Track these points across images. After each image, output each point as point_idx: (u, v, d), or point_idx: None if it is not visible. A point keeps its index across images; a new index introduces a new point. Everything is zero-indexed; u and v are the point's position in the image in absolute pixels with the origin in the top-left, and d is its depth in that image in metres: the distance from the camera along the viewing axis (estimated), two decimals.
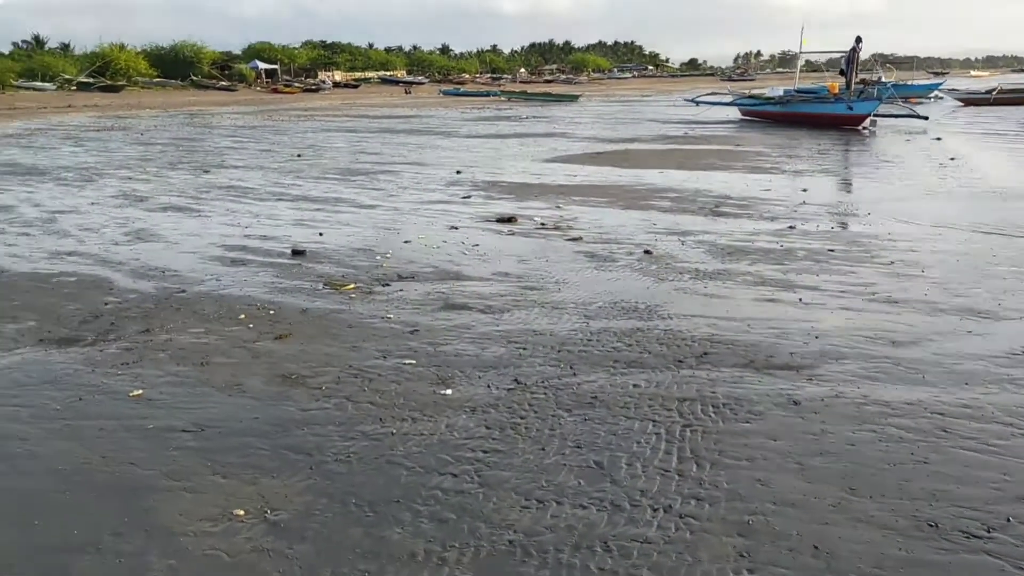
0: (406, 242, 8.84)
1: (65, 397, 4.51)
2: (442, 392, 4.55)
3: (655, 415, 4.16)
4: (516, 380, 4.72)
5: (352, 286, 6.97)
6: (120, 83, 62.58)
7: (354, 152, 20.10)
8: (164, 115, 39.62)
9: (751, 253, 8.04)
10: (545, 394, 4.49)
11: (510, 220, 10.03)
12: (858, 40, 26.92)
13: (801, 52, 30.46)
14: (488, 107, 48.69)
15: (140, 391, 4.59)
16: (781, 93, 30.58)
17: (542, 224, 9.79)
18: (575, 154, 18.72)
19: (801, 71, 35.58)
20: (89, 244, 8.86)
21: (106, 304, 6.46)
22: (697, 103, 35.33)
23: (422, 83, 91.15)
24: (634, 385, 4.59)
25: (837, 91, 28.22)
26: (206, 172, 15.68)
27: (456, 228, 9.60)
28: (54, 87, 60.16)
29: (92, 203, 11.79)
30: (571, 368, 4.91)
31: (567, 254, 8.18)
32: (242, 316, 6.09)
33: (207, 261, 8.00)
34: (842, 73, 28.41)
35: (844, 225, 9.63)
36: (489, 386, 4.63)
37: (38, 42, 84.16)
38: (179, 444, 3.92)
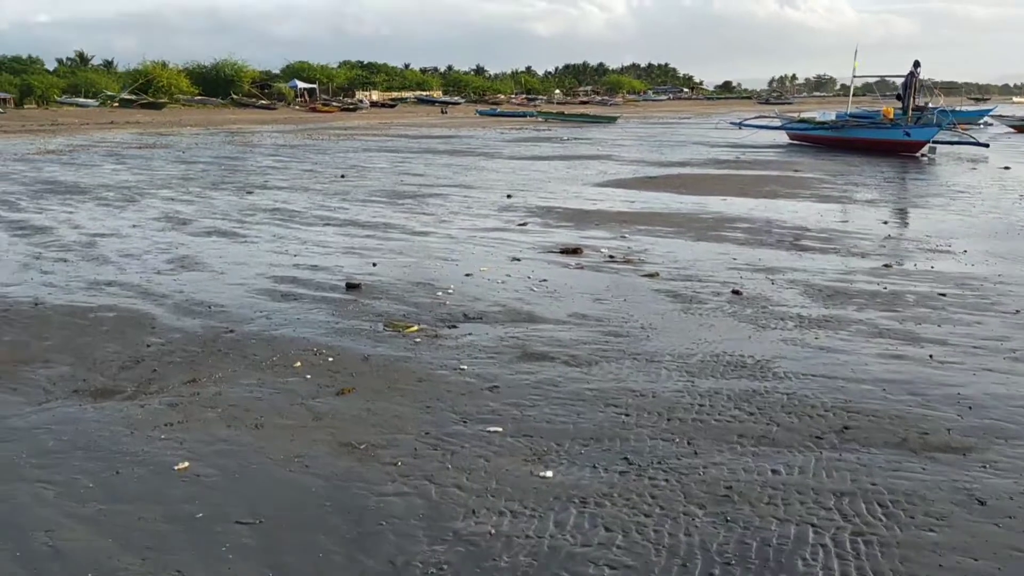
0: (467, 275, 8.15)
1: (99, 470, 3.85)
2: (541, 474, 3.82)
3: (812, 516, 3.39)
4: (627, 459, 3.97)
5: (415, 328, 6.28)
6: (162, 100, 63.06)
7: (398, 173, 19.54)
8: (205, 133, 39.54)
9: (854, 296, 7.24)
10: (667, 481, 3.74)
11: (575, 251, 9.31)
12: (916, 64, 25.98)
13: (855, 76, 29.51)
14: (526, 127, 48.14)
15: (186, 463, 3.91)
16: (833, 117, 29.60)
17: (611, 257, 9.07)
18: (627, 178, 17.99)
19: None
20: (130, 272, 8.28)
21: (148, 346, 5.82)
22: (742, 126, 34.53)
23: (458, 103, 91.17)
24: (772, 471, 3.83)
25: (892, 116, 27.27)
26: (249, 193, 15.17)
27: (518, 260, 8.91)
28: (97, 103, 60.77)
29: (133, 226, 11.27)
30: (688, 443, 4.16)
31: (646, 293, 7.44)
32: (298, 364, 5.42)
33: (256, 295, 7.36)
34: (899, 98, 27.45)
35: (944, 264, 8.78)
36: (596, 467, 3.89)
37: (82, 59, 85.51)
38: (235, 542, 3.22)
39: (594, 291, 7.49)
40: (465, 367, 5.36)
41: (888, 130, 26.08)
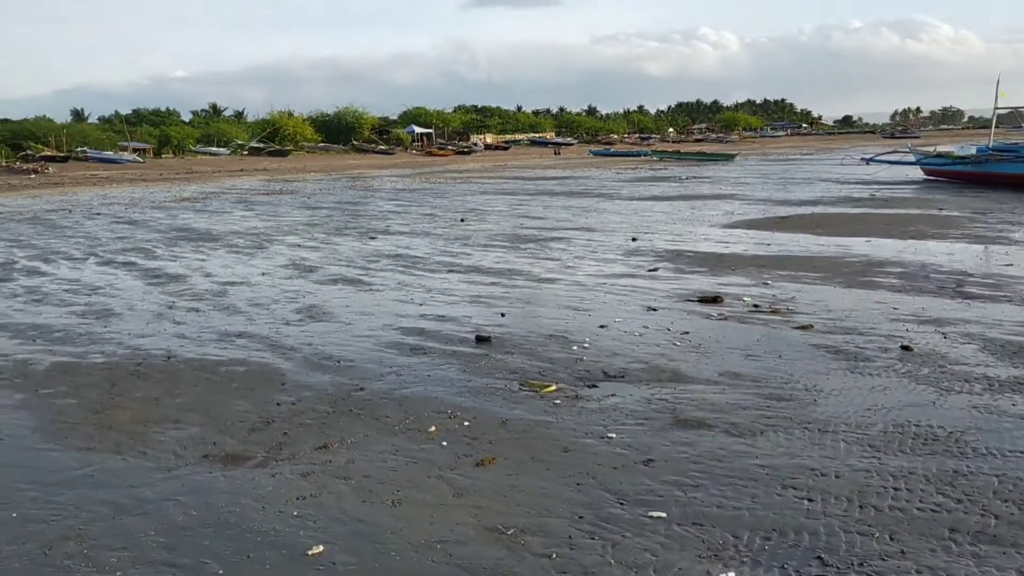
0: (601, 327, 7.67)
1: (229, 553, 3.54)
2: None
3: None
4: (820, 559, 3.37)
5: (554, 387, 5.83)
6: (288, 148, 65.87)
7: (517, 216, 19.33)
8: (327, 178, 40.80)
9: None
10: None
11: (716, 300, 8.69)
12: None
13: (997, 108, 27.62)
14: (641, 167, 47.53)
15: (321, 547, 3.56)
16: (974, 151, 27.74)
17: (756, 306, 8.40)
18: (757, 219, 17.16)
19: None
20: (259, 323, 8.20)
21: (278, 404, 5.59)
22: (872, 162, 32.97)
23: (571, 144, 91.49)
24: None
25: None
26: (372, 238, 15.21)
27: (654, 310, 8.36)
28: (228, 152, 64.03)
29: (263, 273, 11.35)
30: (891, 538, 3.52)
31: (803, 348, 6.75)
32: (432, 428, 5.05)
33: (384, 348, 7.10)
34: None
35: None
36: (785, 567, 3.31)
37: (215, 110, 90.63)
38: None
39: (743, 346, 6.86)
40: (613, 435, 4.86)
41: None
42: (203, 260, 12.82)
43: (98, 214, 21.95)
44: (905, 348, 6.63)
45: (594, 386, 5.88)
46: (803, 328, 7.42)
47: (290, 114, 77.11)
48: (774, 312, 8.11)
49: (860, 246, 12.62)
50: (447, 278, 10.71)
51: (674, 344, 6.99)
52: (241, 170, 48.00)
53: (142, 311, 8.92)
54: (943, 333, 7.11)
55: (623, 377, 6.08)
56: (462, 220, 18.45)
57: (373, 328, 7.89)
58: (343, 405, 5.56)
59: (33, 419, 5.40)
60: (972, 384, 5.66)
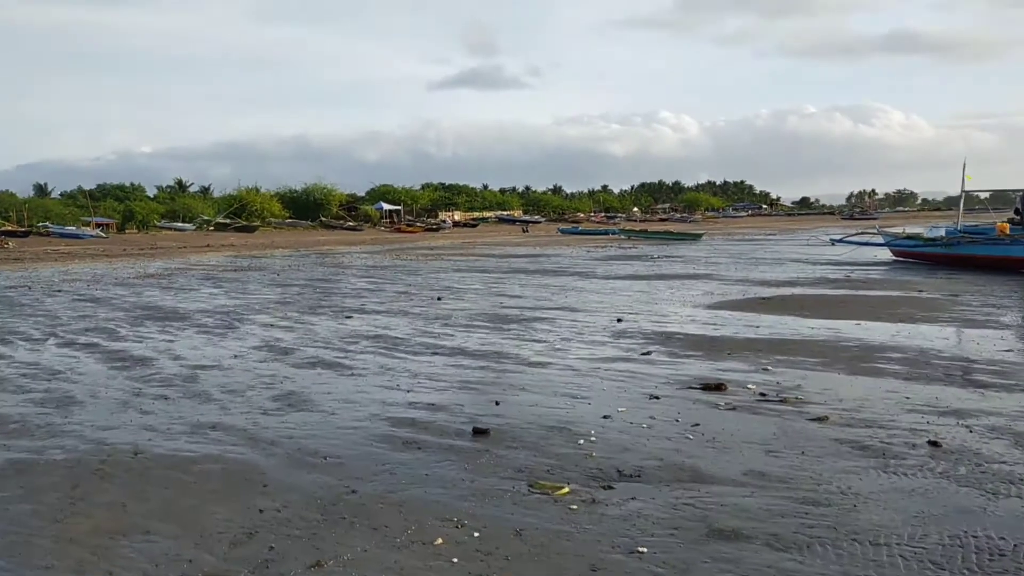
0: (605, 417, 7.19)
1: None
2: None
3: None
4: None
5: (566, 489, 5.31)
6: (255, 223, 65.46)
7: (494, 295, 18.94)
8: (296, 255, 40.29)
9: None
10: None
11: (719, 388, 8.28)
12: None
13: (964, 191, 28.14)
14: (610, 246, 47.75)
15: None
16: (943, 233, 28.15)
17: (762, 395, 7.99)
18: (739, 300, 16.95)
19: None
20: (235, 412, 7.59)
21: (261, 511, 4.99)
22: (842, 243, 33.39)
23: (538, 222, 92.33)
24: None
25: (1008, 231, 25.71)
26: (348, 318, 14.67)
27: (657, 398, 7.92)
28: (193, 227, 63.41)
29: (234, 356, 10.74)
30: None
31: (824, 443, 6.32)
32: (439, 540, 4.49)
33: (374, 442, 6.53)
34: (1017, 213, 26.01)
35: None
36: None
37: (180, 186, 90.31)
38: None
39: (761, 440, 6.42)
40: (644, 549, 4.35)
41: (1008, 246, 24.50)
42: (171, 341, 12.17)
43: (59, 291, 21.15)
44: (933, 444, 6.23)
45: (610, 487, 5.38)
46: (819, 420, 7.01)
47: (257, 190, 76.88)
48: (784, 402, 7.71)
49: (851, 329, 12.37)
50: (432, 361, 10.19)
51: (686, 438, 6.52)
52: (207, 246, 47.32)
53: (106, 399, 8.27)
54: (967, 426, 6.74)
55: (639, 476, 5.58)
56: (439, 298, 18.01)
57: (359, 418, 7.33)
58: (335, 511, 4.98)
59: None
60: (1019, 486, 5.25)
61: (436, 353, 10.78)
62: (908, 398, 7.79)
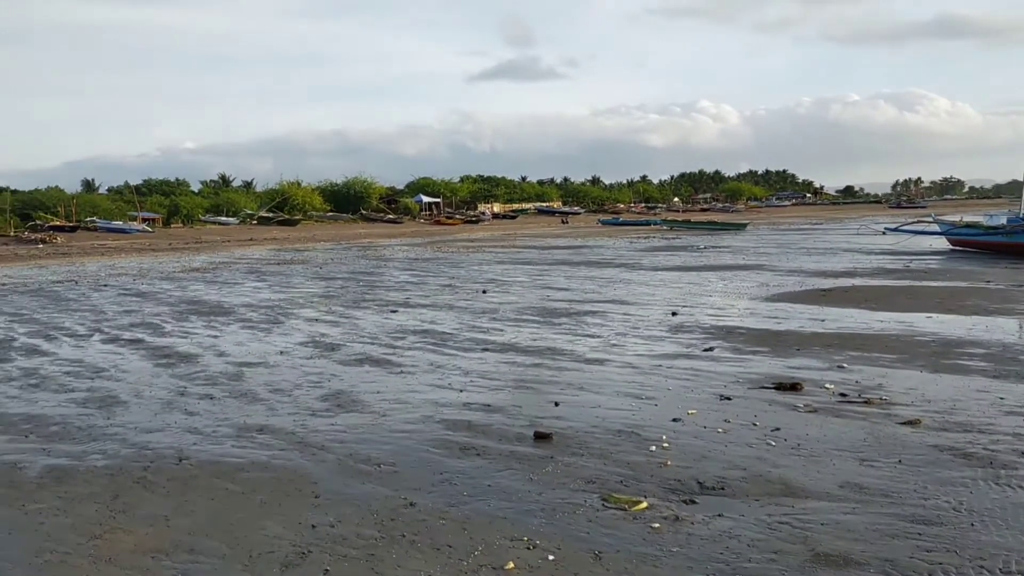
0: (675, 420, 6.69)
1: None
2: None
3: None
4: None
5: (644, 504, 4.83)
6: (296, 217, 65.59)
7: (540, 287, 18.47)
8: (338, 247, 40.19)
9: None
10: None
11: (794, 387, 7.72)
12: None
13: None
14: (653, 236, 46.97)
15: None
16: (1004, 221, 27.02)
17: (843, 395, 7.42)
18: (797, 291, 16.27)
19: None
20: (282, 414, 7.23)
21: (314, 527, 4.59)
22: (888, 232, 32.39)
23: (578, 213, 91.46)
24: None
25: None
26: (393, 312, 14.31)
27: (729, 399, 7.39)
28: (237, 221, 63.74)
29: (280, 352, 10.41)
30: None
31: (921, 450, 5.76)
32: (510, 565, 4.05)
33: (429, 447, 6.11)
34: None
35: None
36: None
37: (224, 180, 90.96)
38: None
39: (851, 447, 5.87)
40: None
41: None
42: (215, 337, 11.90)
43: (105, 285, 21.14)
44: None
45: (692, 501, 4.88)
46: (910, 424, 6.44)
47: (299, 184, 77.12)
48: (868, 403, 7.13)
49: (924, 323, 11.68)
50: (483, 358, 9.76)
51: (768, 444, 6.00)
52: (251, 239, 47.49)
53: (150, 399, 7.96)
54: None
55: (723, 489, 5.08)
56: (484, 291, 17.59)
57: (411, 421, 6.91)
58: (393, 528, 4.56)
59: (17, 549, 4.40)
60: None
61: (487, 349, 10.35)
62: (1002, 398, 7.17)
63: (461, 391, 7.98)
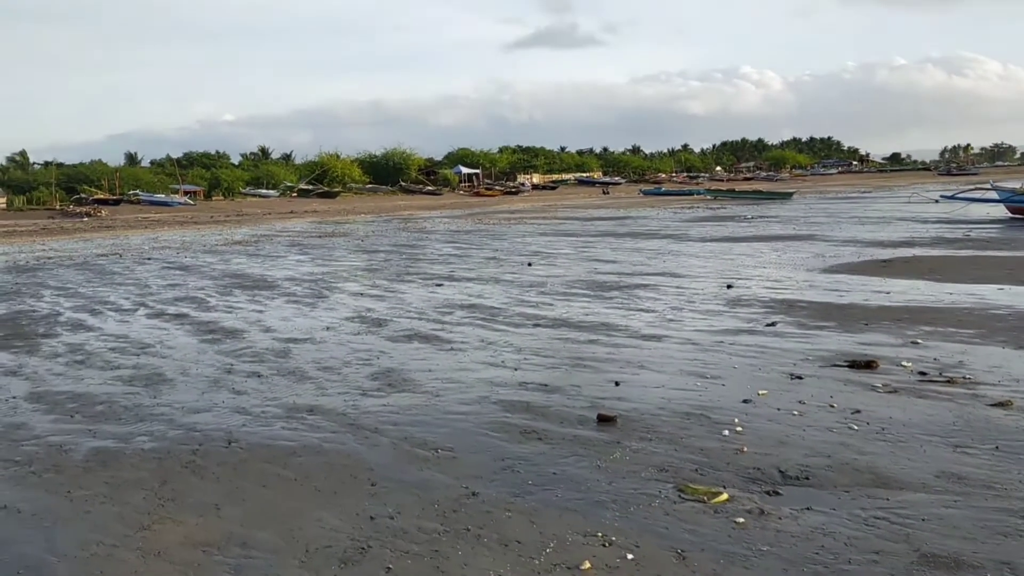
0: (745, 401, 6.30)
1: None
2: None
3: None
4: None
5: (724, 496, 4.47)
6: (336, 189, 65.67)
7: (586, 259, 18.08)
8: (378, 220, 40.07)
9: None
10: None
11: (869, 365, 7.28)
12: None
13: None
14: (697, 207, 46.14)
15: None
16: None
17: (922, 374, 6.96)
18: (854, 262, 15.67)
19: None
20: (332, 393, 6.98)
21: (372, 518, 4.32)
22: (943, 200, 31.34)
23: (619, 183, 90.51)
24: None
25: None
26: (439, 286, 14.03)
27: (800, 378, 6.97)
28: (277, 193, 63.99)
29: (327, 328, 10.18)
30: None
31: (1021, 435, 5.31)
32: (586, 565, 3.73)
33: (487, 431, 5.81)
34: None
35: None
36: None
37: (263, 153, 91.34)
38: None
39: (941, 432, 5.45)
40: None
41: None
42: (260, 311, 11.73)
43: (149, 259, 21.18)
44: None
45: (776, 493, 4.52)
46: (1002, 406, 5.98)
47: (338, 156, 77.12)
48: (951, 382, 6.67)
49: (995, 295, 11.08)
50: (535, 334, 9.43)
51: (849, 428, 5.59)
52: (291, 212, 47.61)
53: (196, 376, 7.77)
54: None
55: (808, 479, 4.70)
56: (529, 264, 17.25)
57: (467, 401, 6.61)
58: (456, 520, 4.26)
59: (62, 541, 4.18)
60: None
61: (538, 324, 10.01)
62: None
63: (515, 369, 7.67)
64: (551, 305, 11.51)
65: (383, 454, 5.37)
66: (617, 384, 6.98)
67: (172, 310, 12.03)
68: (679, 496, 4.52)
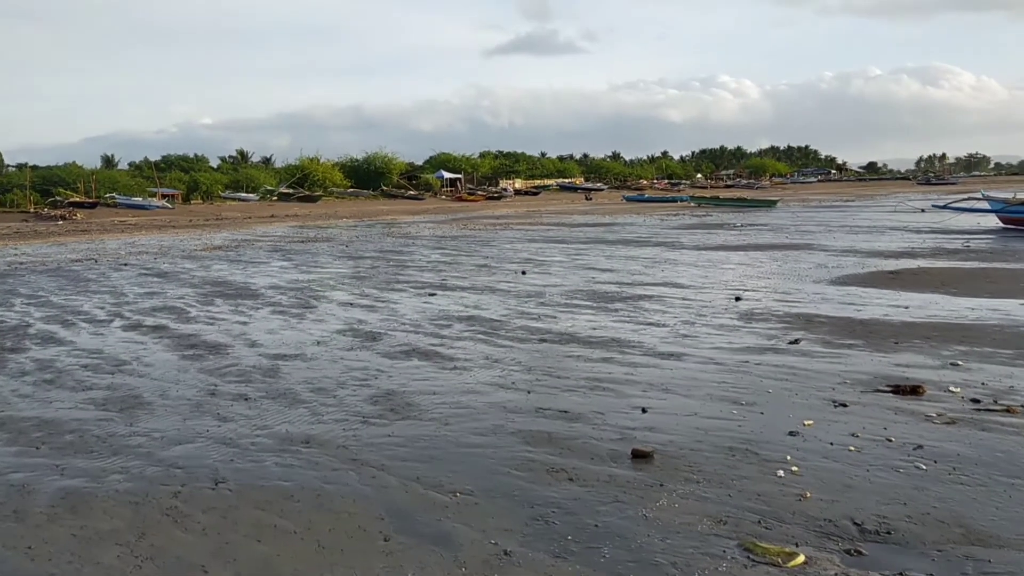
0: (791, 434, 5.69)
1: None
2: None
3: None
4: None
5: (801, 559, 3.84)
6: (317, 193, 64.71)
7: (581, 267, 17.46)
8: (361, 224, 39.26)
9: None
10: None
11: (915, 391, 6.69)
12: None
13: None
14: (682, 214, 45.80)
15: None
16: None
17: (974, 400, 6.39)
18: (861, 273, 15.17)
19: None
20: (328, 421, 6.28)
21: None
22: (928, 209, 31.13)
23: (601, 189, 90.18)
24: None
25: None
26: (432, 295, 13.35)
27: (845, 405, 6.37)
28: (257, 197, 62.92)
29: (317, 342, 9.47)
30: None
31: None
32: None
33: (507, 468, 5.14)
34: None
35: None
36: None
37: (242, 156, 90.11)
38: None
39: (1018, 471, 4.84)
40: None
41: None
42: (244, 323, 10.98)
43: (125, 265, 20.30)
44: None
45: (857, 552, 3.90)
46: None
47: (318, 160, 76.12)
48: (1009, 412, 6.09)
49: (1020, 311, 10.57)
50: (542, 350, 8.79)
51: (917, 468, 4.99)
52: (272, 216, 46.66)
53: (176, 399, 7.04)
54: None
55: (889, 534, 4.08)
56: (523, 272, 16.61)
57: (480, 431, 5.95)
58: None
59: None
60: None
61: (544, 340, 9.37)
62: None
63: (529, 392, 7.01)
64: (554, 318, 10.87)
65: (394, 498, 4.69)
66: (644, 411, 6.34)
67: (150, 321, 11.26)
68: (747, 558, 3.87)
